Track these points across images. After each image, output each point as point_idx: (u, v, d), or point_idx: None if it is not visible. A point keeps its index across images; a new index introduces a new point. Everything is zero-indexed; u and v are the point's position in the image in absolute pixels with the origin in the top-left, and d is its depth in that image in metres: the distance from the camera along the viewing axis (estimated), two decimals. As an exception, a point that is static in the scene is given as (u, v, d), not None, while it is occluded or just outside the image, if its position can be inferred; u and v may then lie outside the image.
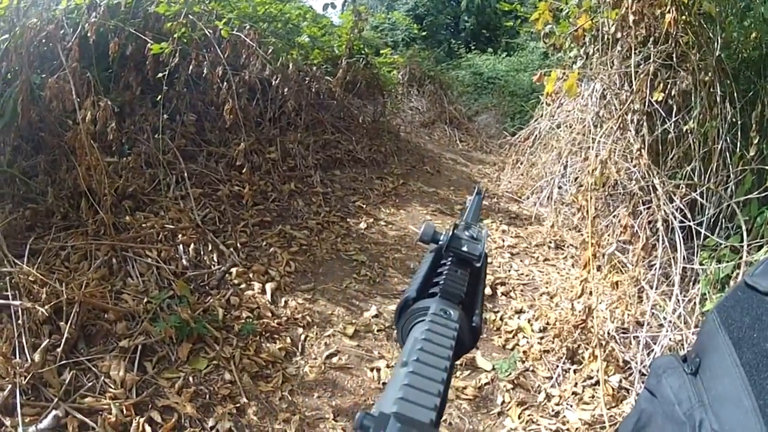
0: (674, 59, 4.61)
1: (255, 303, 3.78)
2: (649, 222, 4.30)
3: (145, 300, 3.35)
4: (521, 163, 7.66)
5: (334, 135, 6.89)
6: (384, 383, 3.37)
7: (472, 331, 0.68)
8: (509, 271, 5.05)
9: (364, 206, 5.81)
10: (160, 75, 4.49)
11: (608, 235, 4.87)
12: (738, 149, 4.57)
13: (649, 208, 4.42)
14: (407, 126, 9.85)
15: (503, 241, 5.65)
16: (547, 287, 4.79)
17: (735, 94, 4.60)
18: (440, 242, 0.78)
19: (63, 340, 2.80)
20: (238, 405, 2.93)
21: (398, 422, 0.45)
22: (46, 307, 2.87)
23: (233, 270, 4.00)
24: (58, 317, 2.94)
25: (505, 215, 6.43)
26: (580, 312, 3.86)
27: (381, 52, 8.59)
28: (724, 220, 4.39)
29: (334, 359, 3.52)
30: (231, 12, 5.68)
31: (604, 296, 4.00)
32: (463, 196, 6.90)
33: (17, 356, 2.68)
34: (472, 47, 15.37)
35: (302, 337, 3.65)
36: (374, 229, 5.37)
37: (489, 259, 5.09)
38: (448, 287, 0.70)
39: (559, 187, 6.40)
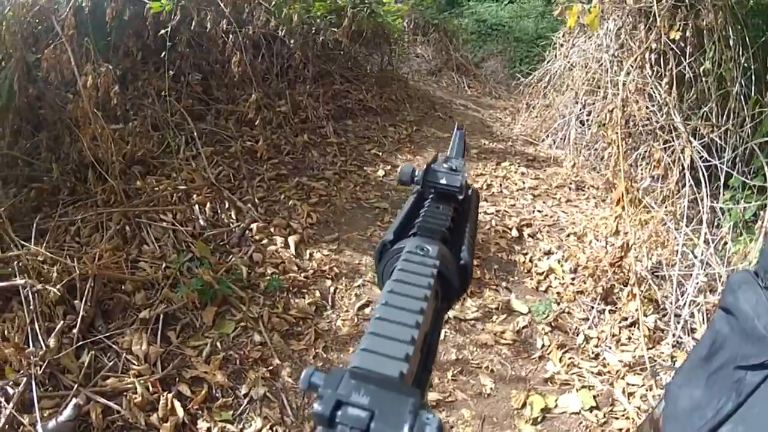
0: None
1: (279, 258, 3.51)
2: (673, 161, 4.06)
3: (164, 266, 3.09)
4: (534, 107, 7.32)
5: (343, 85, 6.55)
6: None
7: (461, 270, 0.58)
8: (533, 212, 4.77)
9: (380, 154, 5.50)
10: (163, 32, 4.17)
11: (637, 171, 4.59)
12: (753, 93, 4.43)
13: (671, 147, 4.18)
14: (414, 74, 9.49)
15: (523, 183, 5.35)
16: (573, 228, 4.51)
17: (746, 39, 4.48)
18: (416, 178, 0.68)
19: (79, 320, 2.54)
20: (270, 368, 2.68)
21: (353, 378, 0.36)
22: (58, 286, 2.58)
23: (253, 226, 3.72)
24: (71, 296, 2.67)
25: (522, 158, 6.11)
26: (615, 249, 3.58)
27: (383, 0, 8.18)
28: (741, 163, 4.22)
29: (367, 310, 3.28)
30: None
31: (637, 234, 3.71)
32: (476, 141, 6.61)
33: (31, 344, 2.40)
34: (475, -6, 14.82)
35: (331, 289, 3.39)
36: (392, 176, 5.06)
37: (513, 201, 4.86)
38: (426, 223, 0.61)
39: (580, 126, 6.08)
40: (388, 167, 5.18)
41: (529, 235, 4.34)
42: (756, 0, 4.80)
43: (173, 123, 4.39)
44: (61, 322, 2.51)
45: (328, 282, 3.43)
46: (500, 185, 5.23)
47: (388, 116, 6.59)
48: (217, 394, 2.50)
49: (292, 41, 5.36)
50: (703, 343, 0.96)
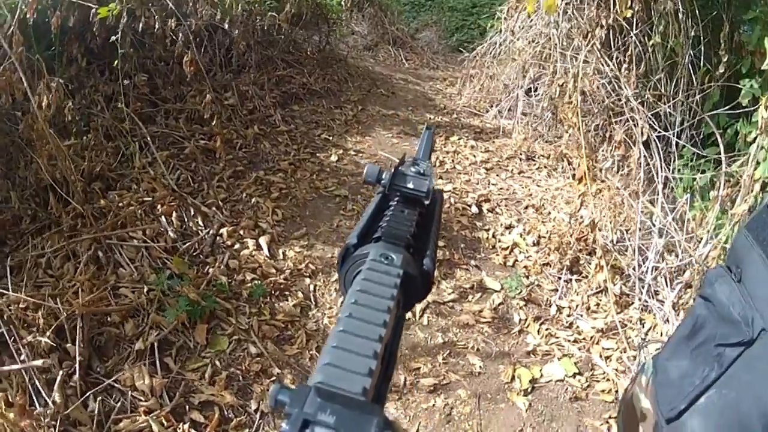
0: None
1: (255, 262, 3.52)
2: (632, 140, 4.22)
3: (146, 289, 3.01)
4: (477, 78, 7.38)
5: (286, 70, 6.50)
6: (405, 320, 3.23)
7: (424, 276, 0.58)
8: (488, 186, 4.88)
9: (331, 138, 5.51)
10: (113, 38, 4.05)
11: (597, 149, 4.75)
12: (702, 65, 4.60)
13: (627, 124, 4.34)
14: (352, 51, 9.43)
15: (475, 157, 5.45)
16: (530, 200, 4.65)
17: (696, 11, 4.61)
18: (383, 181, 0.69)
19: (77, 366, 2.48)
20: (272, 378, 2.73)
21: (319, 396, 0.36)
22: (48, 333, 2.53)
23: (223, 231, 3.70)
24: (62, 339, 2.61)
25: (470, 130, 6.20)
26: (582, 226, 3.73)
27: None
28: (694, 133, 4.46)
29: (347, 302, 3.33)
30: None
31: (597, 208, 3.86)
32: (422, 115, 6.68)
33: (36, 404, 2.34)
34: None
35: (311, 287, 3.43)
36: (346, 160, 5.10)
37: (467, 177, 4.97)
38: (391, 229, 0.62)
39: (526, 96, 6.19)
40: (340, 151, 5.21)
41: (488, 210, 4.45)
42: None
43: (125, 130, 4.30)
44: (60, 372, 2.44)
45: (307, 280, 3.47)
46: (452, 161, 5.32)
47: (333, 98, 6.60)
48: (229, 415, 2.52)
49: (235, 31, 5.27)
50: (685, 323, 1.09)
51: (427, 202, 0.68)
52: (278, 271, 3.50)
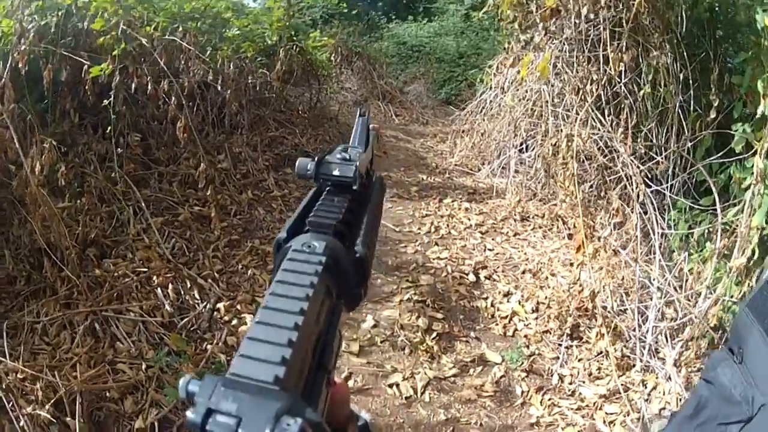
0: (624, 24, 4.51)
1: (253, 339, 3.48)
2: (630, 205, 4.24)
3: (144, 366, 2.98)
4: (469, 135, 7.43)
5: (278, 131, 6.52)
6: (407, 398, 3.22)
7: (356, 262, 0.55)
8: (484, 252, 4.88)
9: (323, 204, 5.48)
10: (107, 102, 4.08)
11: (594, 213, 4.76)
12: (692, 109, 4.57)
13: (616, 179, 4.35)
14: (342, 107, 9.47)
15: (469, 220, 5.46)
16: (526, 264, 4.64)
17: (685, 54, 4.60)
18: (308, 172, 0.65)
19: None
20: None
21: (225, 386, 0.36)
22: (47, 406, 2.49)
23: (220, 306, 3.67)
24: (61, 412, 2.56)
25: (463, 191, 6.23)
26: (581, 295, 3.73)
27: (310, 35, 8.12)
28: (687, 180, 4.43)
29: (350, 383, 3.27)
30: (157, 14, 5.08)
31: (595, 272, 3.86)
32: (414, 176, 6.70)
33: None
34: (393, 17, 14.83)
35: (309, 363, 3.39)
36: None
37: (463, 243, 4.95)
38: (318, 218, 0.58)
39: (518, 153, 6.23)
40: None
41: (485, 278, 4.44)
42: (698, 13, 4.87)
43: (119, 193, 4.25)
44: (63, 449, 2.38)
45: (305, 358, 3.42)
46: (447, 225, 5.32)
47: (326, 159, 6.58)
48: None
49: (227, 90, 5.24)
50: (689, 404, 1.13)
51: (355, 187, 0.64)
52: (275, 348, 3.44)
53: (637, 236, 3.91)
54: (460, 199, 5.96)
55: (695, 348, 3.33)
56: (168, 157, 5.01)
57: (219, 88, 5.16)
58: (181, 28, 4.91)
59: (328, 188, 0.66)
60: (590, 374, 3.47)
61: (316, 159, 0.65)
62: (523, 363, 3.54)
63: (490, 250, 4.91)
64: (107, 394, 2.79)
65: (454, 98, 8.70)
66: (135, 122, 4.85)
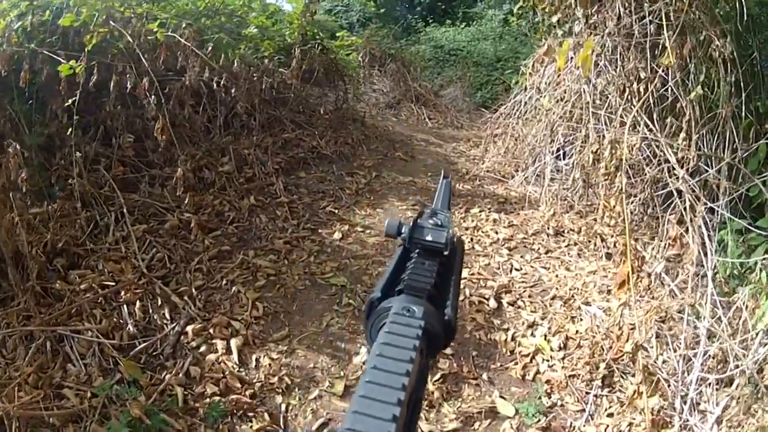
0: (671, 18, 3.81)
1: (220, 371, 2.93)
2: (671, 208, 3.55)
3: (89, 394, 2.60)
4: (502, 139, 6.77)
5: (294, 132, 5.99)
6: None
7: (445, 325, 0.60)
8: (510, 272, 4.21)
9: (337, 211, 4.91)
10: (70, 102, 3.63)
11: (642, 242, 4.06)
12: (744, 116, 3.95)
13: (665, 189, 3.68)
14: (372, 109, 8.94)
15: (496, 233, 4.78)
16: (557, 289, 3.95)
17: (734, 54, 3.96)
18: (402, 235, 0.72)
19: None
20: None
21: None
22: None
23: (189, 329, 3.15)
24: None
25: (493, 200, 5.56)
26: (618, 342, 3.03)
27: (337, 34, 7.67)
28: (735, 197, 3.69)
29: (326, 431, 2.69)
30: (169, 12, 4.80)
31: (639, 314, 3.16)
32: (443, 182, 6.06)
33: None
34: (430, 21, 14.48)
35: (282, 407, 2.80)
36: (351, 238, 4.49)
37: (486, 260, 4.30)
38: (412, 282, 0.63)
39: (555, 161, 5.56)
40: (346, 227, 4.61)
41: (509, 304, 3.78)
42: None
43: (102, 197, 3.89)
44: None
45: (279, 398, 2.83)
46: (471, 239, 4.66)
47: (345, 163, 6.04)
48: None
49: (234, 89, 4.81)
50: None
51: (446, 253, 0.70)
52: (246, 384, 2.88)
53: (696, 273, 3.21)
54: (489, 209, 5.29)
55: (743, 405, 2.64)
56: (164, 159, 4.53)
57: (225, 87, 4.74)
58: (185, 26, 4.54)
59: (418, 251, 0.71)
60: (620, 432, 2.78)
61: (411, 223, 0.72)
62: (540, 419, 2.85)
63: (517, 270, 4.24)
64: (49, 419, 2.46)
65: (490, 102, 8.15)
66: (131, 122, 4.49)
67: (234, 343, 3.09)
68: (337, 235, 4.46)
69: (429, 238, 0.70)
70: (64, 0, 4.05)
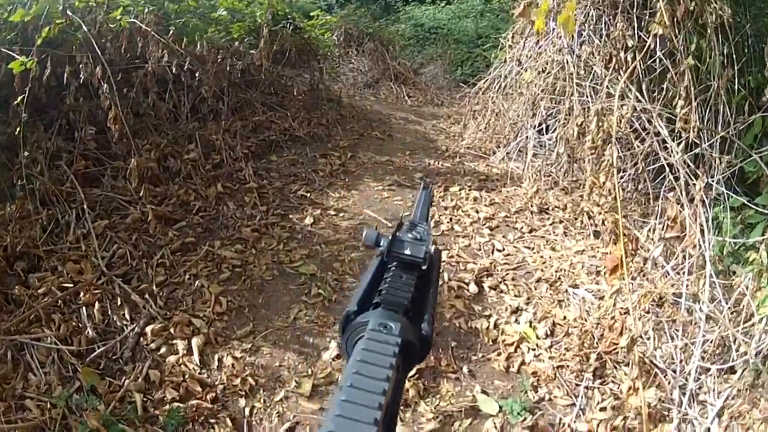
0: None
1: (180, 374, 2.71)
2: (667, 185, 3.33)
3: (49, 405, 2.46)
4: (482, 115, 6.51)
5: (265, 115, 5.75)
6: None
7: (422, 339, 0.60)
8: (492, 253, 3.98)
9: (308, 194, 4.69)
10: (19, 99, 3.45)
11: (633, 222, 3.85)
12: (737, 89, 3.83)
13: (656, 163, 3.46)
14: (349, 89, 8.75)
15: (477, 212, 4.54)
16: (542, 271, 3.73)
17: (725, 25, 3.80)
18: (381, 247, 0.71)
19: None
20: None
21: None
22: None
23: (148, 329, 2.93)
24: None
25: (474, 178, 5.32)
26: (611, 334, 2.81)
27: (311, 14, 7.41)
28: (728, 173, 3.50)
29: (294, 435, 2.49)
30: None
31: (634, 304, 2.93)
32: (420, 161, 5.86)
33: None
34: (410, 0, 14.15)
35: (246, 411, 2.58)
36: (323, 222, 4.26)
37: (467, 241, 4.08)
38: (389, 296, 0.63)
39: (537, 135, 5.34)
40: (318, 211, 4.38)
41: (490, 288, 3.55)
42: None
43: (64, 194, 3.70)
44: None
45: (242, 401, 2.61)
46: (450, 219, 4.42)
47: (318, 144, 5.82)
48: None
49: (198, 72, 4.62)
50: None
51: (424, 267, 0.69)
52: (207, 387, 2.66)
53: (692, 255, 2.98)
54: (469, 187, 5.05)
55: (746, 397, 2.43)
56: (127, 150, 4.26)
57: (190, 72, 4.65)
58: (146, 11, 4.42)
59: (395, 263, 0.69)
60: (614, 429, 2.56)
61: (390, 237, 0.71)
62: (526, 418, 2.61)
63: (499, 251, 4.00)
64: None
65: (471, 78, 7.89)
66: (94, 114, 4.26)
67: (195, 342, 2.87)
68: (308, 220, 4.23)
69: (408, 252, 0.70)
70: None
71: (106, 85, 3.69)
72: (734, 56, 3.78)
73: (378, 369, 0.48)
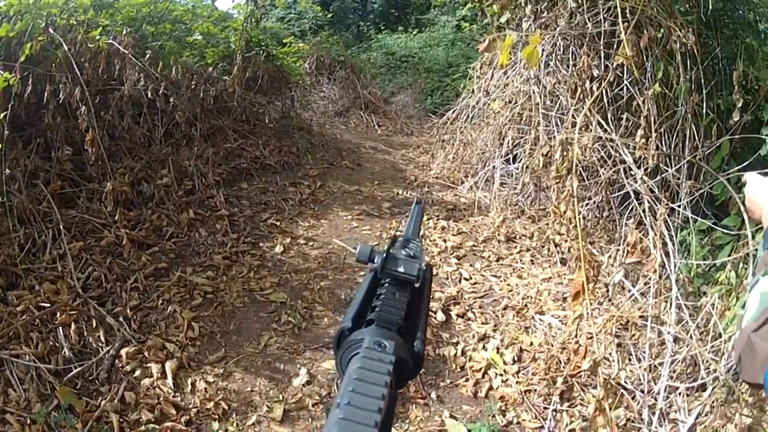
0: (627, 15, 3.72)
1: (155, 396, 2.76)
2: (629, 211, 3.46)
3: (29, 420, 2.49)
4: (451, 144, 6.67)
5: (237, 142, 5.83)
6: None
7: (414, 357, 0.61)
8: (459, 282, 4.09)
9: (278, 223, 4.77)
10: (2, 115, 3.39)
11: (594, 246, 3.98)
12: (705, 113, 3.87)
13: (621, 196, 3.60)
14: (320, 117, 8.85)
15: (445, 242, 4.65)
16: (509, 298, 3.85)
17: (695, 51, 3.83)
18: (375, 263, 0.71)
19: None
20: None
21: None
22: None
23: (123, 352, 2.97)
24: None
25: (441, 207, 5.45)
26: (576, 357, 2.91)
27: (284, 41, 7.52)
28: (696, 196, 3.65)
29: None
30: (116, 18, 4.69)
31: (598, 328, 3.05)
32: (389, 191, 5.95)
33: None
34: (382, 27, 14.43)
35: (219, 434, 2.62)
36: (293, 251, 4.34)
37: (434, 270, 4.17)
38: (383, 314, 0.63)
39: (505, 164, 5.48)
40: (288, 240, 4.46)
41: (458, 316, 3.65)
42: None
43: (41, 213, 3.71)
44: None
45: (215, 425, 2.66)
46: (418, 249, 4.52)
47: (289, 173, 5.92)
48: None
49: (172, 98, 4.73)
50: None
51: (417, 285, 0.69)
52: (181, 410, 2.71)
53: (657, 281, 3.11)
54: (437, 216, 5.17)
55: (719, 412, 2.55)
56: (102, 173, 4.30)
57: (165, 96, 4.65)
58: (124, 32, 4.39)
59: (389, 280, 0.69)
60: (583, 450, 2.66)
61: (384, 253, 0.71)
62: (494, 442, 2.71)
63: (466, 279, 4.12)
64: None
65: (441, 108, 8.05)
66: (70, 135, 4.28)
67: (169, 366, 2.91)
68: (278, 249, 4.31)
69: (401, 269, 0.70)
70: (5, 10, 3.92)
71: (84, 107, 3.71)
72: (702, 80, 3.85)
73: (374, 387, 0.49)
